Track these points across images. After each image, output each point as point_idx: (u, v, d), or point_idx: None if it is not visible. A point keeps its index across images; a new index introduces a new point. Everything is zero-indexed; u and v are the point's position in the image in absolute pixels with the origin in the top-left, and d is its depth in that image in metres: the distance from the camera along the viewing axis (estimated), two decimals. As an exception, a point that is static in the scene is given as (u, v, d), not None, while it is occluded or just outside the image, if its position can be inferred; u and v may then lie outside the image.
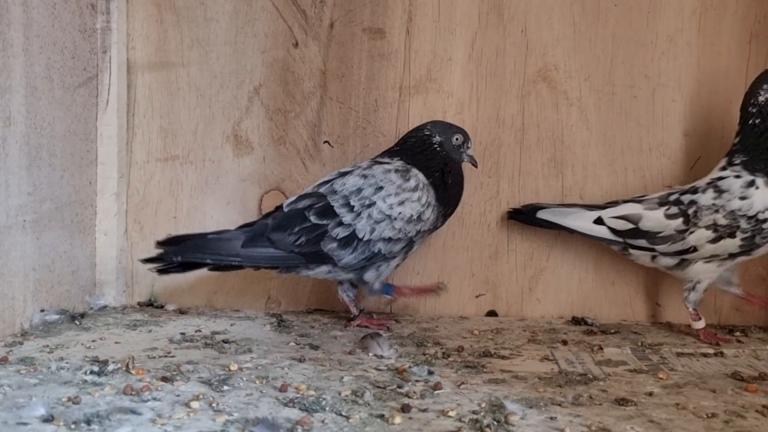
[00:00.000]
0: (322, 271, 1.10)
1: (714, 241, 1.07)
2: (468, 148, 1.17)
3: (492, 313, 1.29)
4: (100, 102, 1.26)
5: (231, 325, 1.16)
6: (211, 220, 1.31)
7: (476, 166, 1.20)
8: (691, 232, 1.07)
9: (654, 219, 1.10)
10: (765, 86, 1.09)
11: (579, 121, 1.27)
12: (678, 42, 1.26)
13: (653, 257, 1.13)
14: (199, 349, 1.00)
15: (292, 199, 1.11)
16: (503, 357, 0.99)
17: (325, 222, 1.05)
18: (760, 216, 1.04)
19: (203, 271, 1.20)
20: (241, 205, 1.31)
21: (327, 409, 0.75)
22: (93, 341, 1.01)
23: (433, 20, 1.29)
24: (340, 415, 0.73)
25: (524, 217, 1.23)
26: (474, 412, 0.75)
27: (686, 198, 1.10)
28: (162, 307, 1.27)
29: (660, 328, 1.21)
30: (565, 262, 1.27)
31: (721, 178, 1.09)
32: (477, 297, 1.29)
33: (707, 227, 1.07)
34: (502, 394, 0.81)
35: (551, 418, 0.73)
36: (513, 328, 1.19)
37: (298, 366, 0.92)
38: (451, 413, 0.74)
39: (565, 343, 1.08)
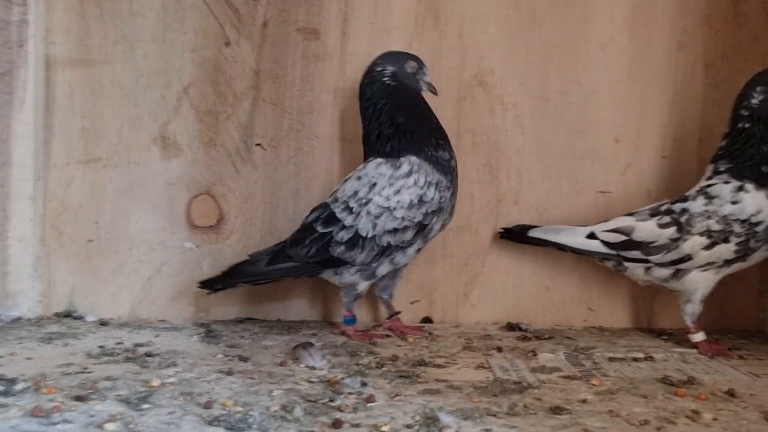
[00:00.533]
0: (348, 274, 1.11)
1: (708, 247, 1.07)
2: (424, 75, 1.16)
3: (427, 320, 1.27)
4: (15, 99, 1.19)
5: (156, 337, 1.10)
6: (136, 226, 1.25)
7: (436, 94, 1.18)
8: (685, 240, 1.07)
9: (646, 229, 1.09)
10: (759, 89, 1.09)
11: (514, 126, 1.27)
12: (609, 50, 1.27)
13: (647, 269, 1.11)
14: (119, 364, 0.94)
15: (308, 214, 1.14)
16: (438, 366, 0.97)
17: (329, 229, 1.09)
18: (753, 219, 1.05)
19: (123, 279, 1.19)
20: (168, 209, 1.25)
21: (254, 427, 0.71)
22: (2, 357, 0.94)
23: (369, 22, 1.27)
24: (268, 432, 0.70)
25: (516, 236, 1.21)
26: (408, 426, 0.72)
27: (677, 207, 1.09)
28: (81, 318, 1.20)
29: (593, 333, 1.22)
30: (500, 267, 1.27)
31: (710, 185, 1.09)
32: (412, 303, 1.28)
33: (701, 234, 1.07)
34: (436, 406, 0.79)
35: (486, 430, 0.72)
36: (448, 335, 1.17)
37: (226, 380, 0.88)
38: (384, 428, 0.72)
39: (500, 349, 1.07)
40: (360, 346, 1.06)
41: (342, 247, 1.08)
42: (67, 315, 1.21)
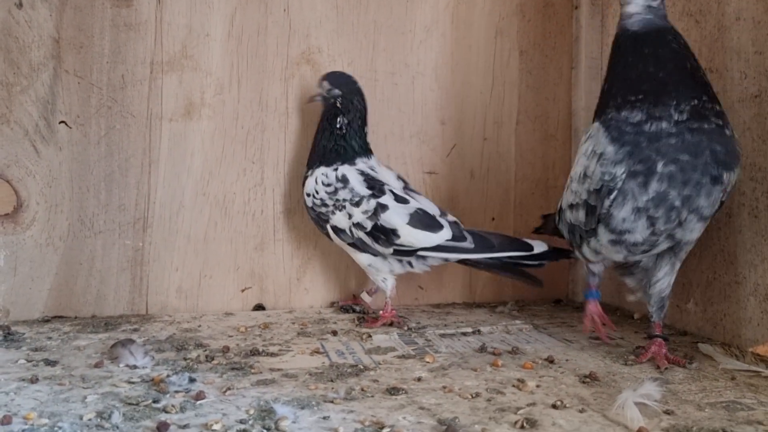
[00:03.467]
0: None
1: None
2: None
3: (259, 307, 1.23)
4: None
5: (-61, 345, 0.94)
6: None
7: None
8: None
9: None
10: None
11: (343, 106, 1.25)
12: (434, 33, 1.30)
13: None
14: None
15: None
16: (272, 354, 0.93)
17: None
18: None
19: None
20: (-50, 196, 1.08)
21: (64, 440, 0.63)
22: None
23: (187, -9, 1.18)
24: (81, 445, 0.62)
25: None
26: (242, 422, 0.68)
27: None
28: None
29: (423, 310, 1.25)
30: (332, 249, 1.25)
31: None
32: (243, 291, 1.22)
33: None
34: (271, 397, 0.75)
35: (324, 418, 0.69)
36: (282, 321, 1.14)
37: (29, 388, 0.77)
38: (215, 426, 0.66)
39: (335, 333, 1.05)
40: (187, 340, 0.99)
41: None
42: None
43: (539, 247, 1.10)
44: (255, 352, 0.93)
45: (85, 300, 1.15)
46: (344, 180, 1.11)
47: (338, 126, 1.14)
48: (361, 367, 0.87)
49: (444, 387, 0.80)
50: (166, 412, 0.70)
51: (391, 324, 1.10)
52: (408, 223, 1.08)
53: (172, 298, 1.19)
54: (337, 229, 1.11)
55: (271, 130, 1.23)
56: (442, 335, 1.06)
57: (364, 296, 1.22)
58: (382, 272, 1.13)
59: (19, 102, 1.11)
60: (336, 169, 1.12)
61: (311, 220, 1.16)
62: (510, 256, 1.10)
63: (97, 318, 1.14)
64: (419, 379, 0.83)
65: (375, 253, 1.11)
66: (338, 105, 1.14)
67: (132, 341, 0.91)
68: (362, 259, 1.13)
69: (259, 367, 0.87)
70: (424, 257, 1.12)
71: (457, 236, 1.09)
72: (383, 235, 1.08)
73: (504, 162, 1.33)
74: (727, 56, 0.98)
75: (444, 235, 1.08)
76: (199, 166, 1.19)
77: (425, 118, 1.30)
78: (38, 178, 1.12)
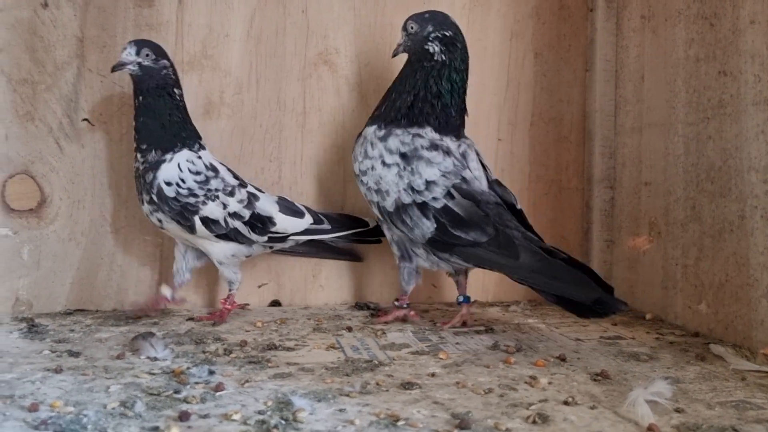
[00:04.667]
0: None
1: None
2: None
3: (276, 303, 1.25)
4: None
5: (-35, 335, 0.97)
6: (-64, 210, 1.09)
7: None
8: None
9: None
10: None
11: (360, 106, 1.27)
12: (450, 34, 1.31)
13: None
14: None
15: None
16: (289, 349, 0.95)
17: None
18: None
19: None
20: (-23, 191, 1.11)
21: (89, 427, 0.65)
22: None
23: (208, -8, 1.20)
24: (106, 432, 0.64)
25: None
26: (260, 413, 0.70)
27: None
28: None
29: (437, 309, 1.26)
30: (347, 247, 1.27)
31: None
32: (259, 287, 1.24)
33: None
34: (289, 390, 0.77)
35: (340, 410, 0.71)
36: (297, 317, 1.16)
37: (54, 378, 0.80)
38: (235, 416, 0.68)
39: (350, 329, 1.07)
40: (205, 334, 1.01)
41: None
42: None
43: (373, 223, 1.19)
44: (272, 347, 0.95)
45: (106, 294, 1.17)
46: (214, 169, 1.09)
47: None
48: (376, 363, 0.89)
49: (457, 382, 0.81)
50: (187, 402, 0.73)
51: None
52: (280, 211, 1.11)
53: (191, 294, 1.21)
54: (208, 220, 1.07)
55: (289, 129, 1.25)
56: (456, 333, 1.07)
57: (164, 289, 1.13)
58: (237, 263, 1.12)
59: (43, 100, 1.14)
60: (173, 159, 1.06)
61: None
62: (355, 232, 1.19)
63: (117, 311, 1.16)
64: (433, 375, 0.84)
65: (243, 242, 1.10)
66: None
67: (152, 334, 0.94)
68: (225, 249, 1.09)
69: (276, 361, 0.89)
70: (286, 242, 1.15)
71: (316, 220, 1.15)
72: (260, 223, 1.09)
73: (518, 163, 1.35)
74: (741, 59, 0.99)
75: (308, 220, 1.14)
76: (218, 164, 1.21)
77: (440, 119, 1.31)
78: (61, 174, 1.15)
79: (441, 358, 0.92)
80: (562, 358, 0.92)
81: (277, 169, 1.24)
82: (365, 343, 0.99)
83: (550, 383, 0.82)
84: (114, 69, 1.04)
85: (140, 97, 1.06)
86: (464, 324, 1.11)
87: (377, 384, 0.80)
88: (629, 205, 1.27)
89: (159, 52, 1.06)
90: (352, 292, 1.28)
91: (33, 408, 0.69)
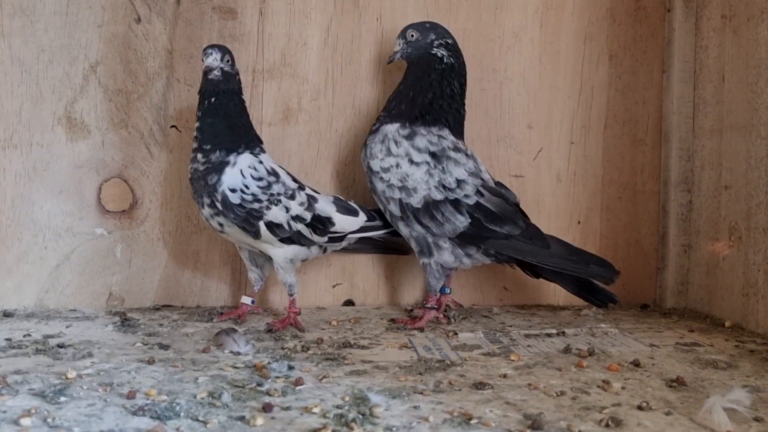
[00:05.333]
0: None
1: None
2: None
3: (349, 303, 1.29)
4: None
5: (67, 327, 1.05)
6: (41, 211, 1.18)
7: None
8: None
9: None
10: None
11: (432, 111, 1.29)
12: (522, 38, 1.32)
13: None
14: (29, 357, 0.89)
15: None
16: (363, 347, 0.99)
17: None
18: None
19: (28, 268, 1.14)
20: (76, 194, 1.20)
21: (182, 415, 0.70)
22: None
23: (287, 3, 1.25)
24: (197, 420, 0.69)
25: None
26: (338, 407, 0.73)
27: None
28: (-19, 309, 1.13)
29: (508, 311, 1.27)
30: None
31: None
32: (334, 287, 1.28)
33: None
34: (365, 386, 0.80)
35: (415, 407, 0.74)
36: (371, 316, 1.19)
37: (147, 369, 0.86)
38: (315, 409, 0.72)
39: (422, 329, 1.09)
40: (283, 331, 1.06)
41: None
42: (-34, 307, 1.14)
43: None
44: (347, 345, 0.99)
45: (190, 291, 1.24)
46: (275, 174, 1.10)
47: None
48: (448, 363, 0.91)
49: (529, 384, 0.82)
50: (269, 395, 0.77)
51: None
52: (337, 211, 1.13)
53: (269, 292, 1.26)
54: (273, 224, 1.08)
55: (364, 134, 1.28)
56: (527, 335, 1.08)
57: (245, 299, 1.16)
58: (294, 267, 1.12)
59: (136, 108, 1.21)
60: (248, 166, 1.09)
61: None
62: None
63: (201, 308, 1.23)
64: (504, 376, 0.86)
65: (305, 244, 1.11)
66: None
67: (234, 330, 0.99)
68: (287, 252, 1.10)
69: (352, 358, 0.92)
70: (342, 241, 1.16)
71: (369, 217, 1.16)
72: (320, 224, 1.11)
73: (591, 166, 1.34)
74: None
75: (362, 218, 1.15)
76: (296, 167, 1.26)
77: (512, 123, 1.32)
78: (151, 178, 1.22)
79: (512, 360, 0.93)
80: (636, 363, 0.92)
81: (352, 172, 1.28)
82: (437, 344, 1.02)
83: (623, 388, 0.81)
84: (207, 72, 1.07)
85: (212, 98, 1.08)
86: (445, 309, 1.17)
87: (450, 383, 0.82)
88: (708, 209, 1.24)
89: (233, 59, 1.11)
90: (423, 293, 1.31)
91: (131, 395, 0.75)
